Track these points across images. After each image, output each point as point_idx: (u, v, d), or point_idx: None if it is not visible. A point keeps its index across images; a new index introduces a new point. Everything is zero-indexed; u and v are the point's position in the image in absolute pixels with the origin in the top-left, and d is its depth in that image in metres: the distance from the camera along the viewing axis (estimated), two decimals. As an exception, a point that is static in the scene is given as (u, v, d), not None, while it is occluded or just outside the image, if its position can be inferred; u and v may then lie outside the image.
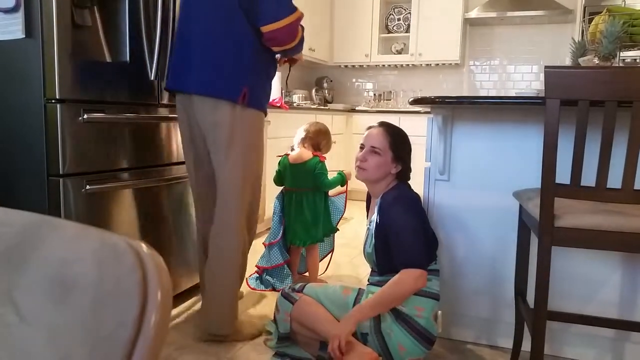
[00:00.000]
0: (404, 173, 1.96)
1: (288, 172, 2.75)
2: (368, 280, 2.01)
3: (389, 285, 1.76)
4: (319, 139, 2.77)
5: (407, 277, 1.73)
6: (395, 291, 1.75)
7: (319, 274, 2.89)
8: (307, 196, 2.72)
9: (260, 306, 2.50)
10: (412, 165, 2.00)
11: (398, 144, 1.93)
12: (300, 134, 2.79)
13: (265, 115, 2.19)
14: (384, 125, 1.97)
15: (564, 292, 2.00)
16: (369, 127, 1.99)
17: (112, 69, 2.07)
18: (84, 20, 1.98)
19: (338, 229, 2.92)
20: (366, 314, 1.77)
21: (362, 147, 1.96)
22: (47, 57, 1.84)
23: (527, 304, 1.82)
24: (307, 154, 2.72)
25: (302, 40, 2.16)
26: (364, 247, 2.01)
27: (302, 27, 2.14)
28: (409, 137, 2.01)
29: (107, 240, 0.51)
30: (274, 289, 2.71)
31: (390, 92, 6.03)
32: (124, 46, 2.13)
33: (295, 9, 2.02)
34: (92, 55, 2.01)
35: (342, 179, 2.78)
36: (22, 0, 1.84)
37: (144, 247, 0.49)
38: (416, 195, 1.95)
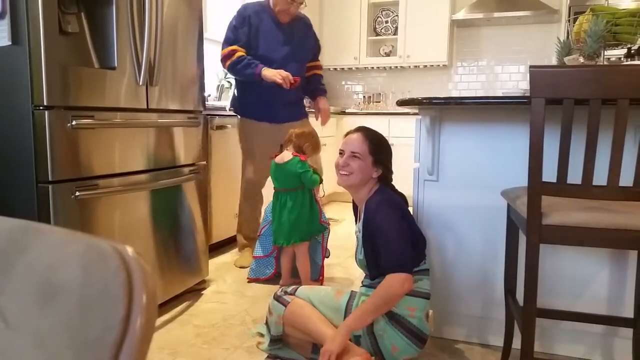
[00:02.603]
0: (385, 177, 1.97)
1: (275, 174, 2.82)
2: (362, 282, 2.02)
3: (376, 292, 1.77)
4: (300, 141, 2.81)
5: (393, 282, 1.74)
6: (383, 297, 1.75)
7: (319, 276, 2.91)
8: (291, 196, 2.76)
9: (253, 309, 2.50)
10: (396, 167, 2.01)
11: (377, 148, 1.93)
12: (286, 136, 2.86)
13: (260, 122, 3.17)
14: (362, 130, 1.98)
15: (553, 289, 2.02)
16: (348, 133, 2.00)
17: (100, 75, 2.07)
18: (71, 26, 1.98)
19: (328, 225, 2.95)
20: (357, 324, 1.78)
21: (341, 152, 1.96)
22: (34, 63, 1.83)
23: (517, 301, 1.84)
24: (288, 156, 2.77)
25: (232, 66, 3.03)
26: (356, 254, 2.02)
27: (232, 61, 3.00)
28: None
29: (92, 244, 0.51)
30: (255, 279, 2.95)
31: (380, 94, 6.05)
32: (111, 52, 2.12)
33: (223, 47, 3.06)
34: (80, 61, 2.01)
35: (318, 179, 2.80)
36: (8, 7, 1.83)
37: (129, 250, 0.50)
38: (399, 197, 1.96)
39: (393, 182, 2.01)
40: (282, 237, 2.77)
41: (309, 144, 2.83)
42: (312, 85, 3.41)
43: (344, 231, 4.23)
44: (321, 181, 2.85)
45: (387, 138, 2.03)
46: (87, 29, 2.05)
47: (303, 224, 2.78)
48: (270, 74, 2.94)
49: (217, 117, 3.40)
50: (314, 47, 3.36)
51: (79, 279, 0.50)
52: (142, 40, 2.21)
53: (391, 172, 1.99)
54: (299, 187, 2.77)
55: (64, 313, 0.49)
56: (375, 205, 1.87)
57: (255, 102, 3.15)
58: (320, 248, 2.94)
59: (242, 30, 2.99)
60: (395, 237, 1.79)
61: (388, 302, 1.76)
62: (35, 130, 1.87)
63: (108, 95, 2.10)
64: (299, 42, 3.15)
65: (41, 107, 1.85)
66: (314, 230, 2.86)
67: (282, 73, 2.94)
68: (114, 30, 2.11)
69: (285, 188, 2.77)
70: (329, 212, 5.06)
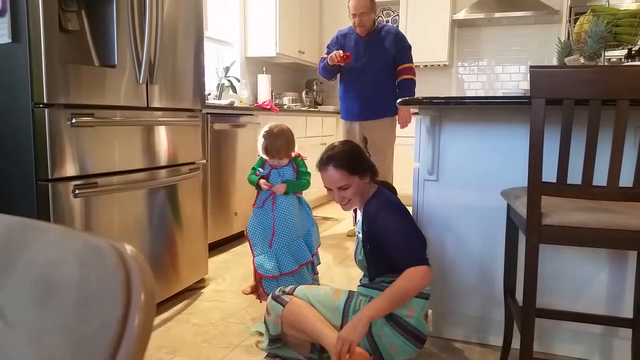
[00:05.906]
0: (374, 174, 1.99)
1: None
2: (360, 281, 2.02)
3: (396, 283, 1.75)
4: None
5: (413, 274, 1.73)
6: (404, 289, 1.73)
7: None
8: None
9: (252, 308, 2.50)
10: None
11: (353, 165, 1.90)
12: None
13: (346, 120, 3.81)
14: (329, 160, 1.91)
15: (553, 289, 2.02)
16: (318, 167, 1.96)
17: (100, 73, 2.06)
18: (71, 24, 1.97)
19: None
20: (377, 314, 1.75)
21: (329, 188, 1.96)
22: (35, 61, 1.83)
23: (517, 301, 1.83)
24: None
25: (319, 66, 3.89)
26: (355, 254, 2.03)
27: (320, 64, 3.87)
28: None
29: (90, 242, 0.51)
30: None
31: (380, 93, 6.04)
32: (111, 50, 2.12)
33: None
34: (80, 59, 2.01)
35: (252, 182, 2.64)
36: (9, 5, 1.83)
37: (127, 248, 0.50)
38: (394, 194, 2.00)
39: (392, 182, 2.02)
40: None
41: (262, 143, 2.56)
42: (399, 91, 3.73)
43: (342, 230, 4.22)
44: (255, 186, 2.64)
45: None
46: (88, 26, 2.05)
47: None
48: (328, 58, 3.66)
49: (217, 115, 3.40)
50: (392, 50, 3.68)
51: (77, 276, 0.50)
52: (142, 38, 2.21)
53: (373, 165, 2.00)
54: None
55: (62, 311, 0.49)
56: (376, 208, 1.87)
57: (340, 101, 3.88)
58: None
59: (332, 48, 3.82)
60: (403, 235, 1.80)
61: (407, 293, 1.75)
62: (35, 128, 1.87)
63: (108, 93, 2.09)
64: (377, 49, 3.69)
65: (41, 105, 1.85)
66: None
67: (333, 53, 3.59)
68: (114, 28, 2.10)
69: None
70: (327, 211, 5.06)
